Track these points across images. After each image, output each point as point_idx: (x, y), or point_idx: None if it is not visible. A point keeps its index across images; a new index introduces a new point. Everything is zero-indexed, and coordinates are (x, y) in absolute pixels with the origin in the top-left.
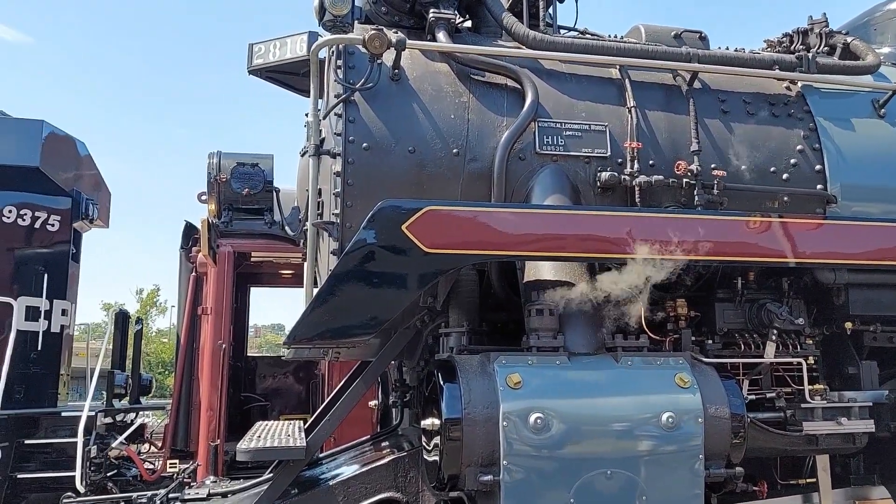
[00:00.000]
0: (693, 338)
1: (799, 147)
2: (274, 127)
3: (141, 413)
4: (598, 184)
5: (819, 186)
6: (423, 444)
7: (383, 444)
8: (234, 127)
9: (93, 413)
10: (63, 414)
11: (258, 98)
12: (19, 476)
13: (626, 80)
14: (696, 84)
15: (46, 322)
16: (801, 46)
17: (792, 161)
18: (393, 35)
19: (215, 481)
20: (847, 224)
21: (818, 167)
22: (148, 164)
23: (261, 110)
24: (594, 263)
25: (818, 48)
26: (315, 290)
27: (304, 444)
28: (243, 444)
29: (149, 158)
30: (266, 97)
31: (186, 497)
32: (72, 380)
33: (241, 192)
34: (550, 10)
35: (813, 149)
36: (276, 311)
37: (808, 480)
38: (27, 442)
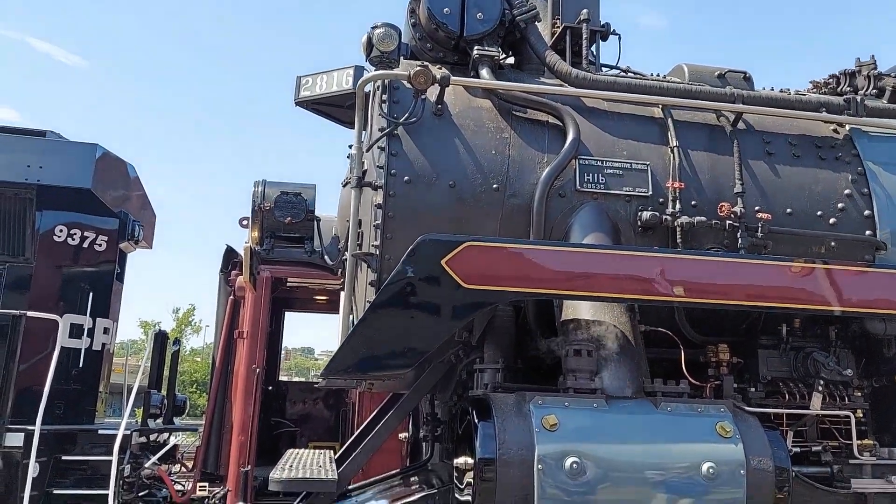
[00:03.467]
0: (735, 385)
1: (847, 191)
2: (316, 157)
3: (173, 434)
4: (639, 223)
5: (868, 232)
6: (455, 482)
7: (412, 479)
8: (278, 156)
9: (128, 432)
10: (100, 431)
11: (303, 129)
12: (55, 492)
13: (669, 120)
14: (741, 125)
15: (89, 340)
16: (848, 88)
17: (839, 205)
18: (438, 71)
19: None
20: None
21: (867, 212)
22: (187, 186)
23: (305, 141)
24: (634, 304)
25: (866, 90)
26: (351, 320)
27: (336, 476)
28: (276, 474)
29: (190, 180)
30: (310, 128)
31: None
32: (108, 395)
33: (284, 221)
34: (593, 49)
35: (861, 193)
36: (305, 334)
37: None
38: (64, 458)
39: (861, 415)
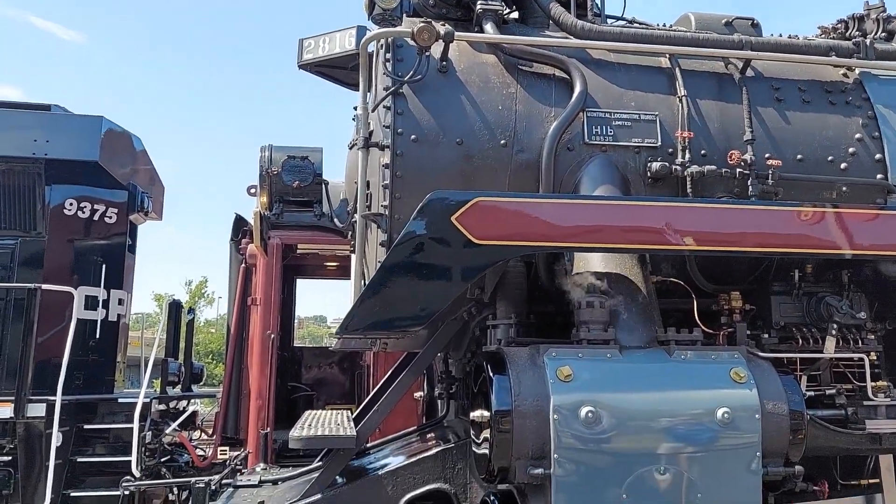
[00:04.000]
0: (748, 332)
1: (857, 136)
2: (323, 121)
3: (192, 401)
4: (649, 174)
5: (879, 176)
6: (472, 436)
7: (429, 435)
8: (285, 121)
9: (147, 400)
10: (119, 400)
11: (308, 92)
12: (79, 460)
13: (677, 69)
14: (749, 72)
15: (104, 311)
16: (857, 33)
17: (850, 150)
18: (441, 27)
19: (265, 468)
20: None
21: (878, 156)
22: (196, 158)
23: (310, 104)
24: (645, 255)
25: (875, 34)
26: (363, 282)
27: (355, 433)
28: (295, 432)
29: (198, 152)
30: (316, 91)
31: (239, 483)
32: (126, 368)
33: (292, 185)
34: (598, 0)
35: (872, 137)
36: (317, 303)
37: (871, 481)
38: (86, 427)
39: (875, 357)
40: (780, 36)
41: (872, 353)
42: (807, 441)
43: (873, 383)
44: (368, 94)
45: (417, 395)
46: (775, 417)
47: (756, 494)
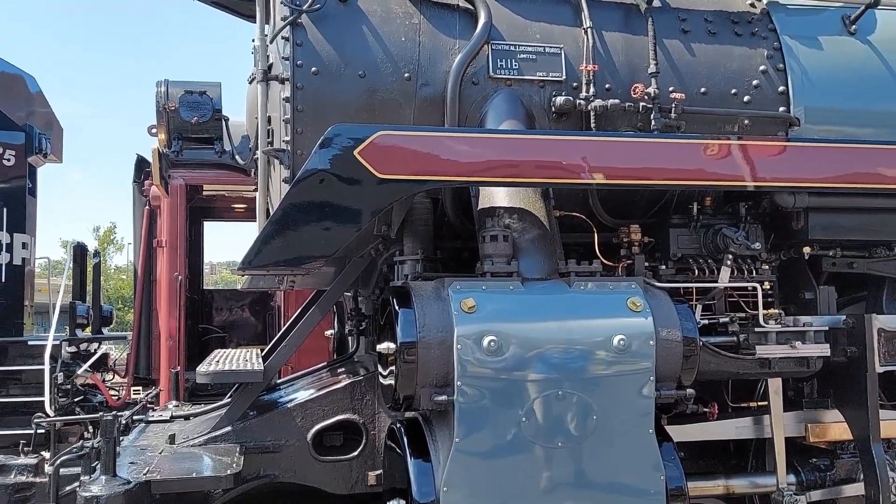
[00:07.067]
0: (647, 263)
1: (762, 67)
2: (223, 55)
3: (104, 343)
4: (553, 109)
5: (782, 109)
6: (379, 367)
7: (340, 370)
8: (185, 56)
9: (57, 342)
10: (29, 342)
11: (206, 25)
12: None
13: (583, 0)
14: (656, 2)
15: (8, 255)
16: None
17: (754, 83)
18: None
19: (178, 405)
20: (806, 146)
21: (781, 88)
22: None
23: (209, 37)
24: (549, 190)
25: None
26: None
27: (262, 368)
28: (202, 368)
29: (99, 94)
30: (214, 23)
31: (150, 419)
32: (35, 314)
33: (191, 121)
34: None
35: (777, 69)
36: (231, 248)
37: (760, 403)
38: None
39: (768, 287)
40: None
41: (766, 283)
42: (699, 366)
43: (765, 311)
44: (266, 25)
45: (328, 332)
46: (669, 344)
47: (648, 416)
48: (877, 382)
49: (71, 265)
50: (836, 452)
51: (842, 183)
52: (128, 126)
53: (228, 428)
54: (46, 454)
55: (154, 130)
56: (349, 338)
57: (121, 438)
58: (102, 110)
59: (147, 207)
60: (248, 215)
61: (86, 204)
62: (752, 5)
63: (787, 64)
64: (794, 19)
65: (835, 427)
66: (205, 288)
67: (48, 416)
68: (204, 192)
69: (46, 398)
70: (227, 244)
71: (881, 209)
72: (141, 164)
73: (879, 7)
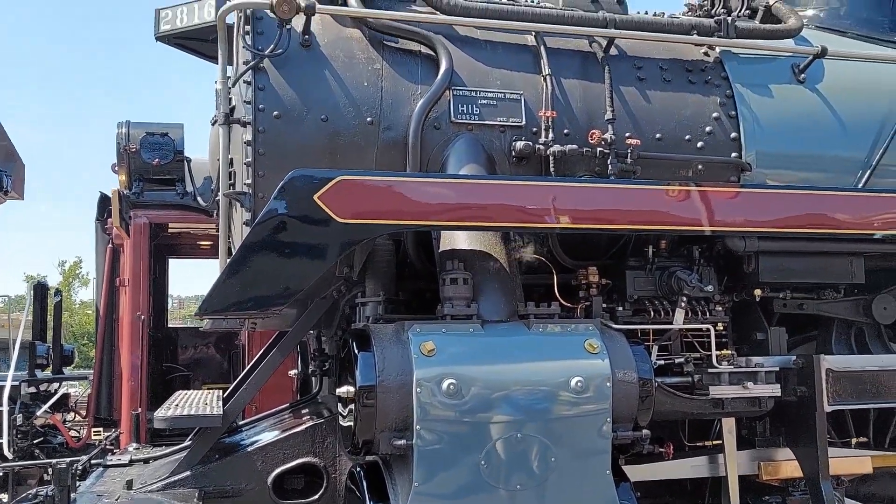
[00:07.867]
0: (605, 305)
1: (715, 114)
2: (186, 95)
3: (65, 383)
4: (513, 153)
5: (734, 154)
6: (339, 410)
7: (303, 411)
8: (149, 96)
9: (16, 383)
10: None
11: (169, 65)
12: None
13: (542, 47)
14: (613, 50)
15: None
16: (721, 10)
17: (707, 129)
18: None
19: (138, 448)
20: (755, 192)
21: (734, 135)
22: (65, 136)
23: (172, 78)
24: (509, 233)
25: (739, 11)
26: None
27: (221, 411)
28: (160, 413)
29: (65, 129)
30: (177, 64)
31: (108, 463)
32: None
33: (152, 163)
34: None
35: (729, 116)
36: (200, 282)
37: (715, 442)
38: None
39: (722, 328)
40: (646, 13)
41: (719, 324)
42: (655, 406)
43: (718, 352)
44: (229, 68)
45: (292, 372)
46: (625, 385)
47: (605, 457)
48: (825, 421)
49: (31, 302)
50: (787, 490)
51: (792, 227)
52: (97, 156)
53: (188, 472)
54: (4, 497)
55: (116, 168)
56: (313, 378)
57: (77, 484)
58: (70, 140)
59: (110, 245)
60: (215, 252)
61: (52, 236)
62: (706, 54)
63: (738, 111)
64: (745, 68)
65: (786, 465)
66: (170, 325)
67: (6, 458)
68: (169, 230)
69: (4, 440)
70: (196, 278)
71: (829, 253)
72: (104, 202)
73: (826, 57)
